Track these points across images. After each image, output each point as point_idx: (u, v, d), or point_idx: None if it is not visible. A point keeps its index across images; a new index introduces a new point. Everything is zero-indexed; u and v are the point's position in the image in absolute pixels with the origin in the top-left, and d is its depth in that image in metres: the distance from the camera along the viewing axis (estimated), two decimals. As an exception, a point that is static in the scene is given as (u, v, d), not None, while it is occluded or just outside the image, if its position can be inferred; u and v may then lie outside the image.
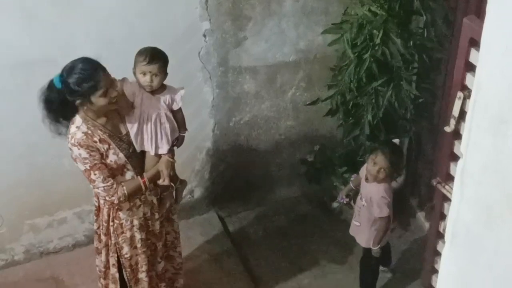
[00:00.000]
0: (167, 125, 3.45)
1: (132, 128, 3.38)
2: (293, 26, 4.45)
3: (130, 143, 3.40)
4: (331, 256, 4.64)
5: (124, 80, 3.35)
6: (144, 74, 3.32)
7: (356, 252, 4.52)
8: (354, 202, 4.23)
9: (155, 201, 3.62)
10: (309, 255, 4.65)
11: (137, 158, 3.46)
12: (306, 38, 4.54)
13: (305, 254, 4.66)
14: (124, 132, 3.40)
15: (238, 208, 5.03)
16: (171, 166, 3.51)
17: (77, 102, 3.20)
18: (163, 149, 3.47)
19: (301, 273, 4.51)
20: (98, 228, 3.64)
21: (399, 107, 4.32)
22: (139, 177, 3.43)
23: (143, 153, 3.48)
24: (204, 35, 4.25)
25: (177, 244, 3.93)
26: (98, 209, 3.58)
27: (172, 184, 3.57)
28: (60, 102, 3.18)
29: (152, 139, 3.42)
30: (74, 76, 3.13)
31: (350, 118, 4.48)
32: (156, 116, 3.41)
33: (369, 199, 3.97)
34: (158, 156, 3.48)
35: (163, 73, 3.36)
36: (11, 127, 3.99)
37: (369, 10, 4.02)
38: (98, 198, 3.52)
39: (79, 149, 3.22)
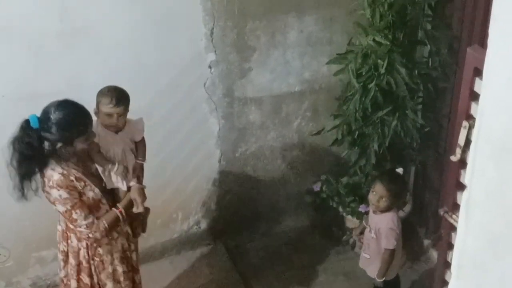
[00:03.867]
0: (131, 158, 3.49)
1: (99, 167, 3.38)
2: (298, 56, 4.48)
3: (101, 178, 3.39)
4: (338, 287, 4.60)
5: None
6: (110, 116, 3.32)
7: (363, 283, 4.48)
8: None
9: (129, 231, 3.59)
10: (316, 286, 4.61)
11: (108, 191, 3.43)
12: (311, 68, 4.56)
13: (312, 285, 4.62)
14: (93, 168, 3.38)
15: (245, 239, 5.01)
16: (143, 192, 3.50)
17: (58, 145, 3.17)
18: (133, 181, 3.48)
19: (309, 304, 4.48)
20: (65, 276, 3.56)
21: (405, 136, 4.32)
22: (113, 208, 3.38)
23: None
24: (210, 67, 4.28)
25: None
26: (67, 254, 3.49)
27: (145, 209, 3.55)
28: (39, 144, 3.10)
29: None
30: (63, 119, 3.06)
31: (356, 148, 4.48)
32: (122, 152, 3.43)
33: (378, 230, 3.93)
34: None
35: (127, 111, 3.38)
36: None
37: (374, 40, 4.05)
38: (67, 242, 3.44)
39: (58, 190, 3.15)
